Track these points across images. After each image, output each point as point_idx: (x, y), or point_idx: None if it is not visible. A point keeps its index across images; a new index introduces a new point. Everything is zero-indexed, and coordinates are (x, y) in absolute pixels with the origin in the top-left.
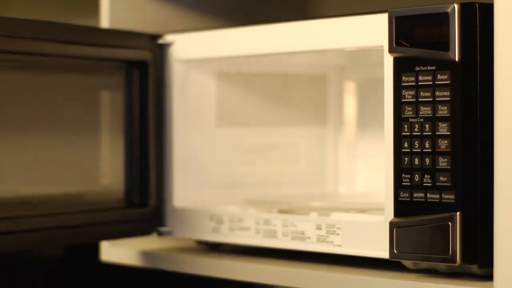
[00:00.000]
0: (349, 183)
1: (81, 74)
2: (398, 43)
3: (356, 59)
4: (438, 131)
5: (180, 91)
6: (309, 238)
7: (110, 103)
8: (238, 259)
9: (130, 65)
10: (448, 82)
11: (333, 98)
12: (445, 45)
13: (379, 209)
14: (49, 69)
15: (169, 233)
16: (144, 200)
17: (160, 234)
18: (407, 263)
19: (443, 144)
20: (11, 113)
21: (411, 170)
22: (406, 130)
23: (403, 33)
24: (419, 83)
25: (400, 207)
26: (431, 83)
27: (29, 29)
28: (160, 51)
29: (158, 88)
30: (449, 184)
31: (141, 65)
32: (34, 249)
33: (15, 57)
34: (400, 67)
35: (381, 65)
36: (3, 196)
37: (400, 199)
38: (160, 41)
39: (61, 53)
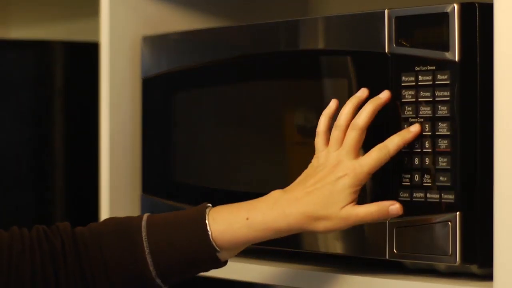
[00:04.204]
0: None
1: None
2: (398, 43)
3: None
4: (438, 131)
5: None
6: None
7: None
8: (238, 259)
9: None
10: (448, 82)
11: None
12: (445, 45)
13: None
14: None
15: None
16: None
17: None
18: (407, 263)
19: (443, 144)
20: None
21: (411, 170)
22: None
23: (403, 33)
24: (419, 83)
25: None
26: (431, 83)
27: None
28: None
29: None
30: (449, 184)
31: None
32: None
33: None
34: (400, 67)
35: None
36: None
37: (400, 199)
38: None
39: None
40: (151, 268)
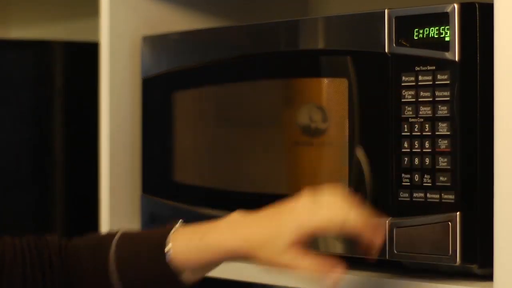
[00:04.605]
0: None
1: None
2: (398, 43)
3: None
4: (438, 131)
5: None
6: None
7: None
8: None
9: None
10: (448, 82)
11: None
12: (445, 45)
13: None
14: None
15: None
16: None
17: None
18: (407, 263)
19: (443, 144)
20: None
21: (411, 170)
22: (406, 130)
23: (403, 33)
24: (419, 83)
25: (400, 207)
26: (431, 83)
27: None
28: None
29: None
30: (449, 184)
31: None
32: None
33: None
34: (400, 67)
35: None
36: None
37: (400, 199)
38: None
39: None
40: (117, 282)
